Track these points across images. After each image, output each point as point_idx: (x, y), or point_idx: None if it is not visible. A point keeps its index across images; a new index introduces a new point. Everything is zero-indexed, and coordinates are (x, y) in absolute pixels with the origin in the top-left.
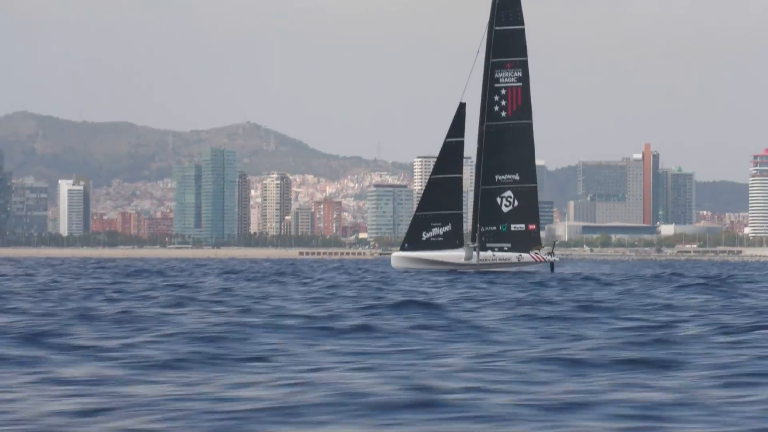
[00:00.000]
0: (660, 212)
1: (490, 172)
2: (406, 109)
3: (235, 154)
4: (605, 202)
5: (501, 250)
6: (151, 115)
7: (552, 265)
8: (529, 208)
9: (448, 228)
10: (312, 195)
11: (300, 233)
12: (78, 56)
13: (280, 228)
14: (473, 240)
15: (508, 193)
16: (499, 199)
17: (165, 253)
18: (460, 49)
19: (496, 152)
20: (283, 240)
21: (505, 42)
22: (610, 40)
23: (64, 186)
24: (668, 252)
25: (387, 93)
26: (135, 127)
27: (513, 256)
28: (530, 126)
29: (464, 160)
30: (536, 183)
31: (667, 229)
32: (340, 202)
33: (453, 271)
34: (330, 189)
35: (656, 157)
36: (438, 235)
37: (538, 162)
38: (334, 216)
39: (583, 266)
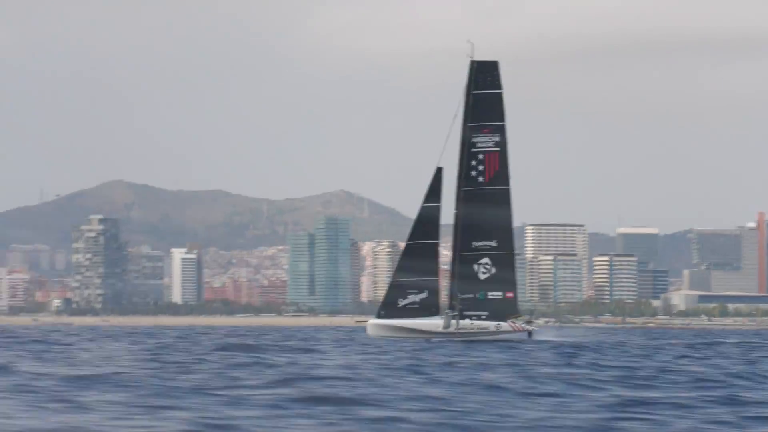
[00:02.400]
0: None
1: (467, 238)
2: None
3: (349, 222)
4: (720, 271)
5: (479, 318)
6: (245, 184)
7: (530, 334)
8: (507, 275)
9: (424, 295)
10: None
11: None
12: (172, 125)
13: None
14: (451, 308)
15: (486, 260)
16: (476, 266)
17: (282, 321)
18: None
19: (473, 218)
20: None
21: (483, 106)
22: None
23: (177, 254)
24: None
25: None
26: (230, 195)
27: (492, 324)
28: (508, 192)
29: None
30: (514, 250)
31: None
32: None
33: (428, 340)
34: None
35: None
36: (414, 302)
37: (650, 230)
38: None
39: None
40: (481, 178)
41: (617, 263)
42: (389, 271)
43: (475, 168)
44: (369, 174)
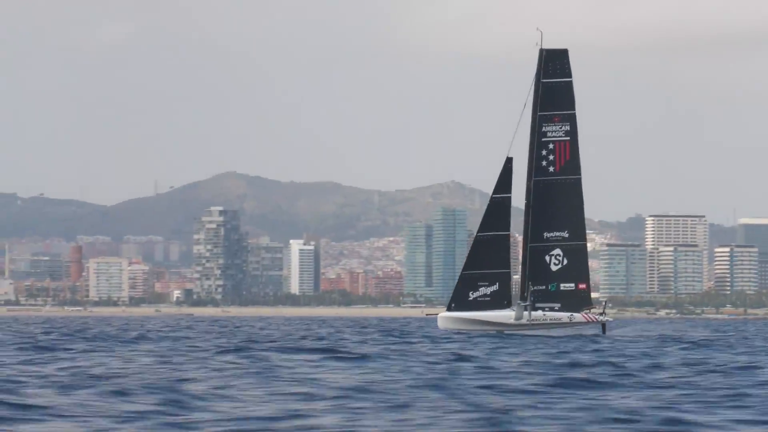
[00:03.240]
0: None
1: (538, 230)
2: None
3: (466, 213)
4: None
5: (551, 309)
6: (356, 175)
7: (604, 325)
8: (579, 266)
9: (495, 287)
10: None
11: None
12: (284, 116)
13: (511, 286)
14: (522, 299)
15: (557, 251)
16: (547, 258)
17: (400, 312)
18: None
19: (543, 209)
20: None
21: (553, 95)
22: None
23: (295, 246)
24: None
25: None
26: (341, 186)
27: (564, 315)
28: (579, 181)
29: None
30: (585, 240)
31: None
32: None
33: (501, 332)
34: None
35: None
36: (485, 295)
37: None
38: None
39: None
40: (551, 168)
41: (738, 254)
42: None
43: (545, 158)
44: (479, 165)
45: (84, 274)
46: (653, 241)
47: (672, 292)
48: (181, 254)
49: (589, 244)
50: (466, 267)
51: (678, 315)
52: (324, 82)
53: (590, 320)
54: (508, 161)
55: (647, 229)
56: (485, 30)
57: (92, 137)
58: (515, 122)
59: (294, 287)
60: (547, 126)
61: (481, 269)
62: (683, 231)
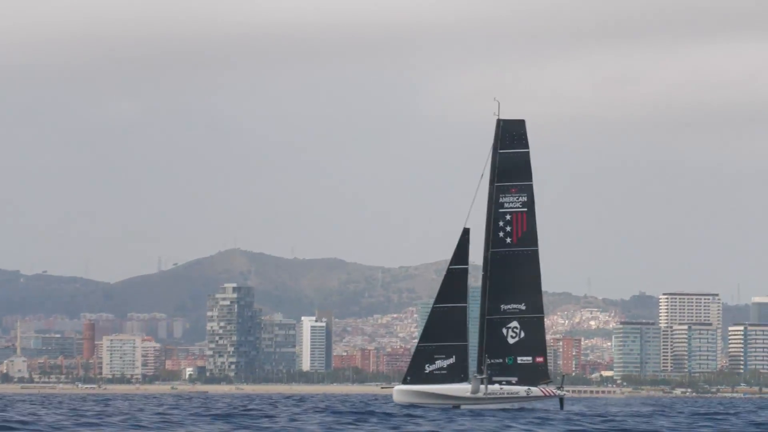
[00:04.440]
0: None
1: (495, 302)
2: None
3: (479, 290)
4: None
5: (508, 383)
6: (360, 252)
7: (562, 400)
8: (536, 339)
9: (452, 360)
10: None
11: None
12: (287, 193)
13: None
14: (479, 372)
15: (514, 323)
16: (504, 330)
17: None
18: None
19: (500, 281)
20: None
21: (510, 166)
22: None
23: (307, 322)
24: None
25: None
26: (344, 263)
27: (522, 389)
28: (536, 253)
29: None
30: (543, 313)
31: None
32: (579, 340)
33: (457, 406)
34: None
35: None
36: (442, 368)
37: None
38: (573, 353)
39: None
40: (509, 239)
41: (752, 333)
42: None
43: (502, 229)
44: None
45: (96, 351)
46: (667, 319)
47: (686, 370)
48: (185, 331)
49: (592, 323)
50: (422, 339)
51: (694, 393)
52: (326, 158)
53: (548, 394)
54: (465, 232)
55: (660, 307)
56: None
57: (95, 214)
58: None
59: (305, 364)
60: (504, 197)
61: (438, 341)
62: (696, 309)
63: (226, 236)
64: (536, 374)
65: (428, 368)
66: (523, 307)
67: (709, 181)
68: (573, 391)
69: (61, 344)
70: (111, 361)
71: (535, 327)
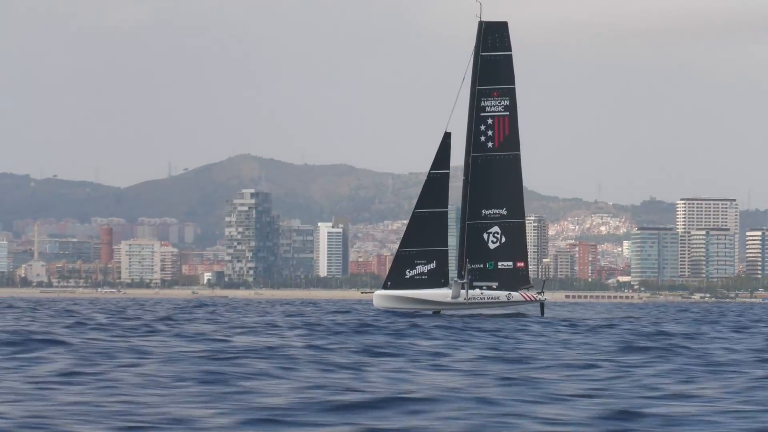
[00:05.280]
0: None
1: (476, 207)
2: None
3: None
4: None
5: (489, 288)
6: (370, 158)
7: (542, 305)
8: (517, 244)
9: (432, 265)
10: None
11: (559, 277)
12: (297, 99)
13: (538, 271)
14: (460, 277)
15: (495, 228)
16: (485, 235)
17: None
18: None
19: (482, 185)
20: (544, 283)
21: (492, 69)
22: None
23: (323, 228)
24: None
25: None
26: (355, 169)
27: (502, 294)
28: (518, 158)
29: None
30: (524, 218)
31: None
32: (595, 245)
33: (437, 312)
34: (551, 231)
35: None
36: (422, 273)
37: None
38: (590, 259)
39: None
40: (490, 144)
41: None
42: (535, 246)
43: (483, 133)
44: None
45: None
46: (684, 225)
47: (704, 275)
48: (196, 236)
49: (603, 228)
50: (402, 244)
51: (712, 299)
52: (337, 64)
53: (529, 299)
54: (446, 136)
55: (678, 213)
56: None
57: (106, 119)
58: (453, 96)
59: (322, 270)
60: (486, 100)
61: (418, 247)
62: (714, 215)
63: (237, 141)
64: (517, 279)
65: (409, 273)
66: (504, 212)
67: (717, 84)
68: (590, 297)
69: (78, 248)
70: (130, 265)
71: (516, 232)
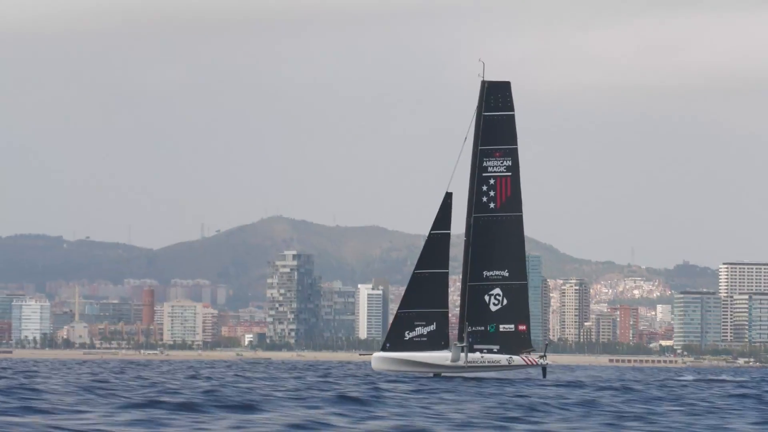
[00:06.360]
0: None
1: (477, 268)
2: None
3: (540, 259)
4: None
5: (489, 351)
6: (401, 220)
7: (544, 369)
8: (519, 307)
9: (432, 327)
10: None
11: (601, 340)
12: (339, 162)
13: (579, 334)
14: (460, 340)
15: (497, 290)
16: (487, 297)
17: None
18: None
19: (483, 246)
20: (583, 347)
21: (494, 129)
22: None
23: (364, 290)
24: None
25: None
26: (386, 231)
27: (503, 358)
28: (520, 219)
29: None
30: (526, 280)
31: None
32: (636, 309)
33: (437, 374)
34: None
35: None
36: (422, 335)
37: None
38: (631, 322)
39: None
40: (492, 204)
41: None
42: (577, 309)
43: (485, 193)
44: (527, 210)
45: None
46: (727, 289)
47: (746, 340)
48: (228, 298)
49: (636, 292)
50: (402, 305)
51: (758, 363)
52: (372, 126)
53: (530, 363)
54: (448, 196)
55: (721, 277)
56: (549, 71)
57: (139, 180)
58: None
59: (362, 332)
60: (488, 161)
61: (418, 308)
62: (756, 279)
63: (269, 203)
64: (518, 342)
65: (408, 335)
66: (506, 273)
67: (748, 149)
68: (633, 361)
69: (117, 310)
70: (172, 326)
71: (518, 294)
